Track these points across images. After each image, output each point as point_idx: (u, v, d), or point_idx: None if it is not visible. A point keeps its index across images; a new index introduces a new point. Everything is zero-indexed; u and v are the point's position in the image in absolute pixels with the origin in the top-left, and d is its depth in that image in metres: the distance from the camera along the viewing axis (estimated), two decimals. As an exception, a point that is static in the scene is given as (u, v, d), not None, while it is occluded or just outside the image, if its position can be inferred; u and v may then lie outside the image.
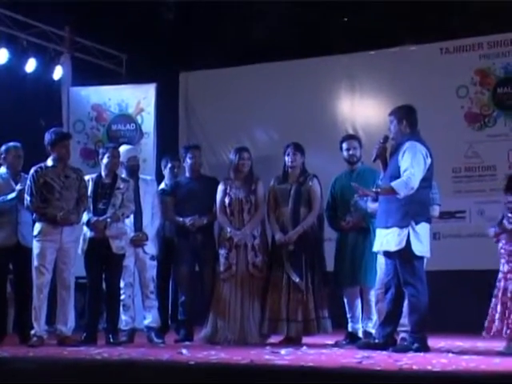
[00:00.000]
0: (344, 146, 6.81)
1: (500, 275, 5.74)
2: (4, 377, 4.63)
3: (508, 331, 5.54)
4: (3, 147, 6.92)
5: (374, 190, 5.87)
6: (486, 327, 5.66)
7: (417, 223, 5.66)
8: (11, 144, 6.92)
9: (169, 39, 9.44)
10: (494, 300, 5.70)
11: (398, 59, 9.05)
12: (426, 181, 5.76)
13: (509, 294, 5.60)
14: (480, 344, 6.29)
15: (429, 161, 5.73)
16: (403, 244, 5.63)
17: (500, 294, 5.67)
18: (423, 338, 5.60)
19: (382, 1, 8.64)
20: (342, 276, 6.61)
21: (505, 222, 5.84)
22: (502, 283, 5.69)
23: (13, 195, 6.66)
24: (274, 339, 6.65)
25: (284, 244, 6.54)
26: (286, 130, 9.08)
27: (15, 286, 6.94)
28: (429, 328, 5.69)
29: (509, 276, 5.69)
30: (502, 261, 5.77)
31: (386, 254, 5.83)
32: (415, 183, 5.63)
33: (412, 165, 5.63)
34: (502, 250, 5.78)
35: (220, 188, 6.80)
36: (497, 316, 5.63)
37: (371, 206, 6.23)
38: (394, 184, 5.67)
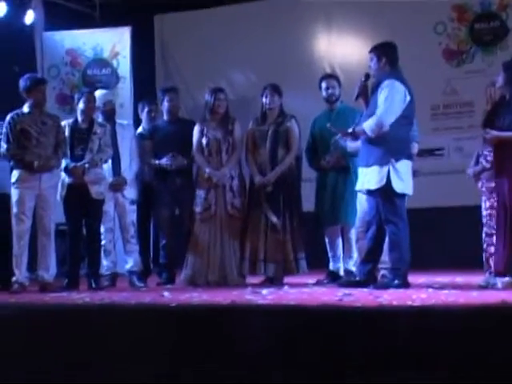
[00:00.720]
0: (323, 85, 6.77)
1: (484, 212, 5.78)
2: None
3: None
4: None
5: (349, 131, 5.84)
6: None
7: (397, 160, 5.65)
8: None
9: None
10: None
11: (375, -4, 8.95)
12: (406, 118, 5.74)
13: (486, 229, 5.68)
14: (459, 279, 6.37)
15: (408, 98, 5.69)
16: (384, 182, 5.64)
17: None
18: (403, 275, 5.65)
19: None
20: (323, 215, 6.64)
21: (482, 160, 5.85)
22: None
23: None
24: (255, 280, 6.69)
25: (263, 186, 6.53)
26: (263, 70, 8.99)
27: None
28: (409, 264, 5.74)
29: (490, 212, 5.74)
30: (484, 198, 5.81)
31: (368, 192, 5.84)
32: (386, 122, 5.61)
33: (385, 103, 5.62)
34: (484, 189, 5.80)
35: (196, 129, 6.74)
36: None
37: (351, 144, 6.23)
38: (364, 125, 5.67)
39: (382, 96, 5.65)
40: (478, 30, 8.64)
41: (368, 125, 5.66)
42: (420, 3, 8.69)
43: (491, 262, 5.83)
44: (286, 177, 6.55)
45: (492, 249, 5.84)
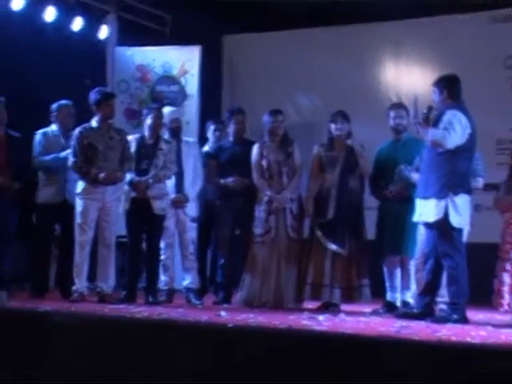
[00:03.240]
0: (391, 114, 6.75)
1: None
2: (47, 330, 4.74)
3: None
4: (55, 105, 6.99)
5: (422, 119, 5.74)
6: None
7: (456, 194, 5.60)
8: (63, 102, 6.99)
9: (214, 1, 9.39)
10: None
11: (445, 27, 8.91)
12: (467, 152, 5.70)
13: None
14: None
15: (468, 131, 5.65)
16: (441, 215, 5.59)
17: None
18: (462, 310, 5.58)
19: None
20: (383, 245, 6.59)
21: None
22: None
23: (65, 154, 6.72)
24: (310, 304, 6.68)
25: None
26: (329, 96, 9.02)
27: (60, 243, 7.06)
28: (468, 300, 5.68)
29: None
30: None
31: (425, 224, 5.81)
32: (448, 143, 5.56)
33: (451, 127, 5.56)
34: None
35: (255, 150, 6.75)
36: None
37: (415, 175, 6.20)
38: (431, 129, 5.62)
39: (444, 124, 5.61)
40: (550, 64, 8.53)
41: (434, 131, 5.60)
42: (490, 36, 8.64)
43: None
44: (353, 203, 6.55)
45: None
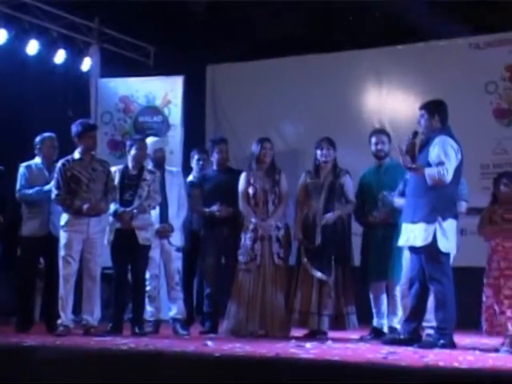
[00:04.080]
0: (373, 140, 6.79)
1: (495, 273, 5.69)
2: (32, 365, 4.69)
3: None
4: (38, 138, 6.98)
5: (411, 164, 5.68)
6: None
7: (444, 219, 5.61)
8: (46, 135, 6.98)
9: (196, 32, 9.44)
10: None
11: (427, 54, 8.97)
12: (455, 177, 5.71)
13: None
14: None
15: (459, 156, 5.68)
16: (429, 240, 5.60)
17: None
18: (449, 335, 5.58)
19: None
20: (368, 271, 6.61)
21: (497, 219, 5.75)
22: None
23: (49, 187, 6.70)
24: (297, 332, 6.65)
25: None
26: (312, 123, 9.05)
27: (45, 276, 7.01)
28: (455, 325, 5.67)
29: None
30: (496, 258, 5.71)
31: (412, 249, 5.80)
32: (448, 178, 5.58)
33: (447, 159, 5.57)
34: (500, 248, 5.67)
35: (243, 178, 6.78)
36: None
37: (398, 201, 6.21)
38: (427, 170, 5.60)
39: (438, 152, 5.60)
40: (531, 89, 8.59)
41: (431, 173, 5.58)
42: (472, 62, 8.71)
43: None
44: (338, 230, 6.56)
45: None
